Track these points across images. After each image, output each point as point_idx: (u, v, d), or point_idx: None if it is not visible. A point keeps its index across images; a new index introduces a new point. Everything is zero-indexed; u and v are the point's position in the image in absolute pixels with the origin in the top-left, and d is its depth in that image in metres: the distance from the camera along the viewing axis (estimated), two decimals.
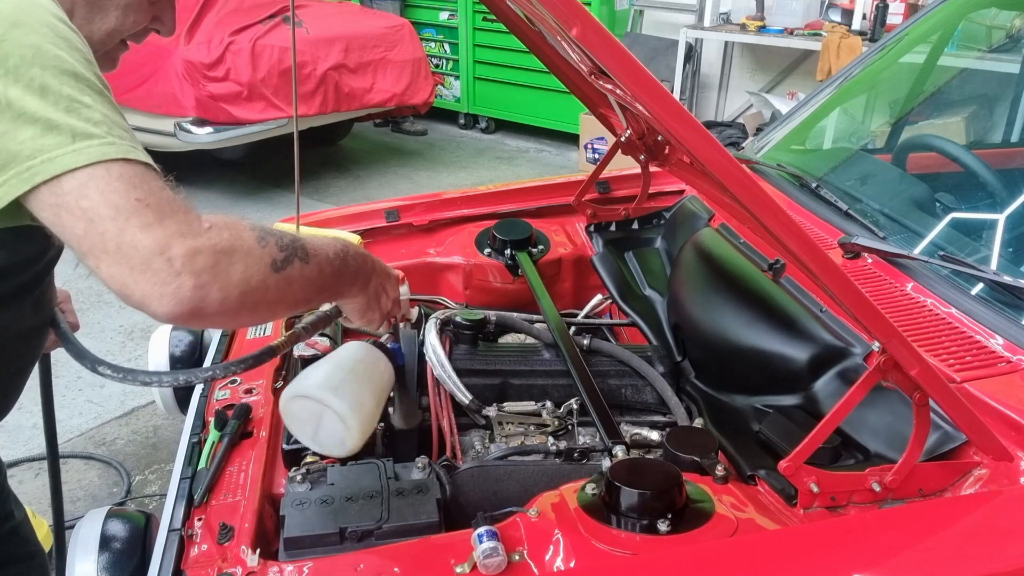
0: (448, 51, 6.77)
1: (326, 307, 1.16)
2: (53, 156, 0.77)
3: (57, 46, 0.81)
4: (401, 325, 1.32)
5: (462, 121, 6.92)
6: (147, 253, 0.76)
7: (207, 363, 1.66)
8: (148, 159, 0.83)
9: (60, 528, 1.62)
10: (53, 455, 1.55)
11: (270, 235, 0.87)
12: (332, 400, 1.06)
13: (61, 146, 0.77)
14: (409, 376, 1.34)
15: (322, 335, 1.59)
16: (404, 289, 1.19)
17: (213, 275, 0.79)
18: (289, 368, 1.58)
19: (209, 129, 4.52)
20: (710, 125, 5.69)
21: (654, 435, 1.42)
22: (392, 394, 1.33)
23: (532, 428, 1.45)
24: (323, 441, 1.10)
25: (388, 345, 1.25)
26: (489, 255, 2.00)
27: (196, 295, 0.77)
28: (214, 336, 1.76)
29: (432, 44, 6.75)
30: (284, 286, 0.87)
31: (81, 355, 1.00)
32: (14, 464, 2.61)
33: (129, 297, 0.78)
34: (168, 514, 1.19)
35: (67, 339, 1.07)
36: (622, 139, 1.93)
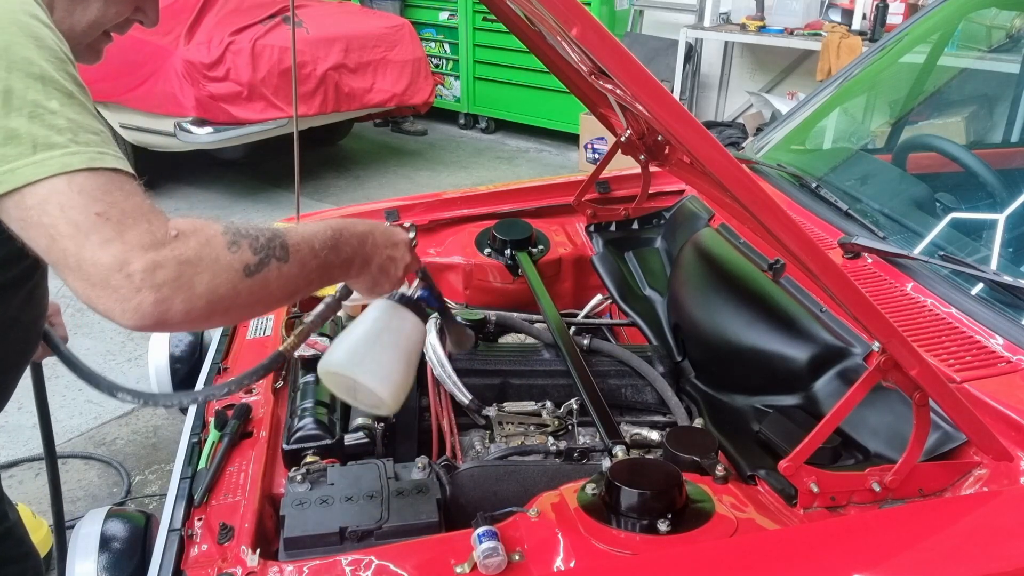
0: (448, 51, 6.77)
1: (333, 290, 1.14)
2: (14, 168, 0.75)
3: (26, 47, 0.79)
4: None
5: (462, 121, 6.92)
6: (106, 270, 0.75)
7: (207, 363, 1.66)
8: (117, 162, 0.80)
9: (61, 530, 1.62)
10: (51, 459, 1.54)
11: (244, 237, 0.84)
12: (359, 374, 1.07)
13: (21, 157, 0.75)
14: (446, 309, 1.28)
15: (321, 334, 1.59)
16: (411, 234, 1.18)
17: (175, 287, 0.77)
18: (289, 367, 1.58)
19: (209, 129, 4.52)
20: (710, 125, 5.69)
21: (654, 435, 1.42)
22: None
23: (532, 428, 1.45)
24: (364, 403, 1.12)
25: (417, 294, 1.19)
26: (489, 255, 2.00)
27: (158, 308, 0.76)
28: (214, 336, 1.76)
29: (432, 44, 6.75)
30: (259, 289, 0.85)
31: (91, 379, 1.00)
32: (14, 464, 2.61)
33: (94, 309, 0.77)
34: (168, 514, 1.18)
35: (72, 363, 1.07)
36: (622, 139, 1.93)
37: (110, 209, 0.76)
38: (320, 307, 1.11)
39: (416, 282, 1.19)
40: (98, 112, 0.85)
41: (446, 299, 1.96)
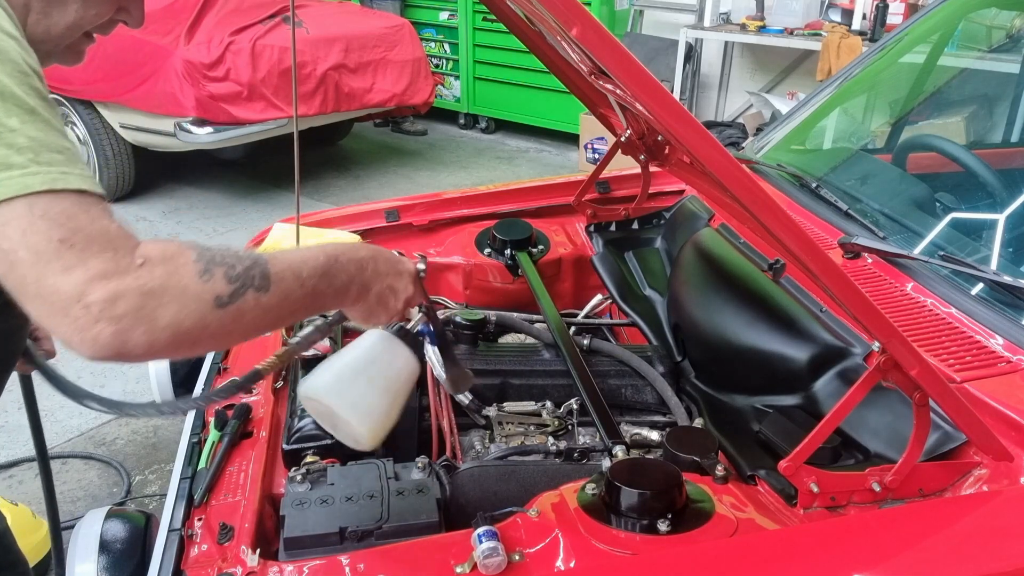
0: (448, 51, 6.77)
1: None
2: None
3: None
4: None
5: (462, 121, 6.92)
6: (65, 300, 0.71)
7: (206, 364, 1.66)
8: (83, 182, 0.75)
9: (57, 533, 1.61)
10: (44, 465, 1.53)
11: (219, 265, 0.78)
12: (338, 406, 1.03)
13: None
14: (448, 348, 1.24)
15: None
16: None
17: (136, 319, 0.73)
18: (290, 367, 1.58)
19: (209, 129, 4.52)
20: (710, 125, 5.69)
21: (654, 435, 1.42)
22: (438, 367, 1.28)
23: (532, 428, 1.45)
24: (342, 434, 1.09)
25: (417, 328, 1.14)
26: (489, 255, 2.00)
27: (116, 340, 0.73)
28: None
29: (432, 44, 6.75)
30: (231, 321, 0.79)
31: (65, 388, 0.97)
32: (14, 464, 2.61)
33: (53, 335, 0.75)
34: (168, 514, 1.18)
35: (49, 374, 1.04)
36: (622, 139, 1.93)
37: (73, 235, 0.72)
38: (309, 329, 1.06)
39: (418, 316, 1.14)
40: (65, 129, 0.80)
41: (446, 300, 1.97)
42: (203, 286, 0.77)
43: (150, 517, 1.36)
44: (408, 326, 1.12)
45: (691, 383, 1.61)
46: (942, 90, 2.48)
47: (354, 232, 2.04)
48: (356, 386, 1.05)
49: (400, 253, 1.08)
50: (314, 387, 1.04)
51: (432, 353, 1.49)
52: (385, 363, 1.09)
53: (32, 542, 2.14)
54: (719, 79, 6.18)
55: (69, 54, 0.99)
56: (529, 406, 1.50)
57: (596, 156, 5.47)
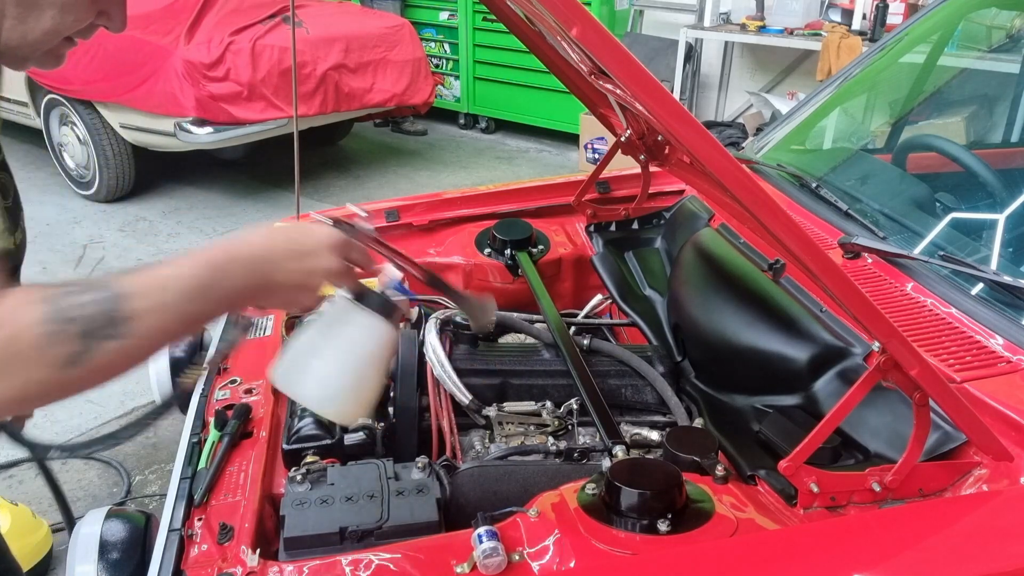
0: (448, 51, 6.77)
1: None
2: None
3: None
4: (400, 325, 1.20)
5: (462, 121, 6.92)
6: None
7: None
8: None
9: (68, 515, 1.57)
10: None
11: (70, 322, 0.71)
12: (296, 392, 0.98)
13: None
14: (446, 287, 1.14)
15: None
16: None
17: None
18: None
19: (209, 129, 4.52)
20: (710, 125, 5.69)
21: (654, 435, 1.42)
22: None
23: (532, 428, 1.45)
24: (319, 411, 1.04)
25: (389, 290, 1.02)
26: (489, 255, 2.00)
27: None
28: (215, 337, 1.76)
29: (432, 44, 6.75)
30: (89, 375, 0.73)
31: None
32: (14, 464, 2.61)
33: None
34: (168, 514, 1.18)
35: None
36: (622, 139, 1.93)
37: None
38: (217, 344, 1.00)
39: (388, 275, 1.04)
40: None
41: (446, 300, 1.96)
42: (49, 350, 0.70)
43: (150, 517, 1.36)
44: (377, 288, 1.01)
45: (691, 383, 1.61)
46: (942, 90, 2.48)
47: None
48: (312, 368, 0.97)
49: (349, 225, 0.98)
50: (272, 376, 0.99)
51: (432, 353, 1.49)
52: (345, 335, 0.99)
53: (32, 542, 2.15)
54: (719, 79, 6.18)
55: (48, 58, 0.95)
56: (529, 406, 1.50)
57: (596, 156, 5.47)
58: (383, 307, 0.99)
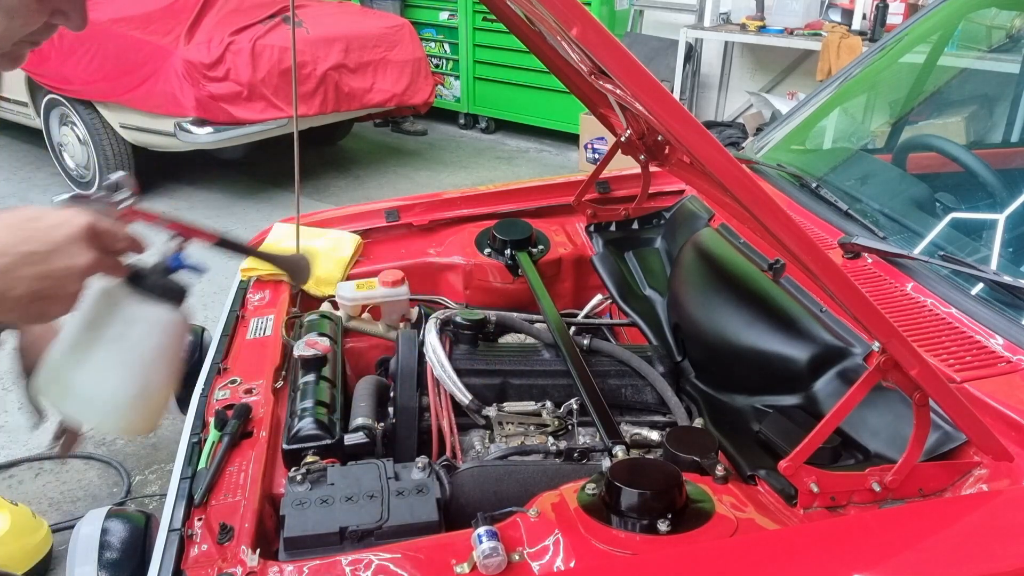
0: (448, 51, 6.77)
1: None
2: None
3: None
4: (400, 325, 1.20)
5: (462, 121, 6.92)
6: None
7: (207, 364, 1.65)
8: None
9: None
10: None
11: None
12: (56, 405, 0.81)
13: None
14: (238, 246, 1.01)
15: (321, 333, 1.58)
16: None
17: None
18: (290, 367, 1.58)
19: (209, 129, 4.52)
20: (710, 125, 5.69)
21: (654, 435, 1.42)
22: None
23: (532, 428, 1.45)
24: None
25: (162, 262, 0.87)
26: (489, 255, 2.00)
27: None
28: (214, 337, 1.76)
29: (432, 44, 6.75)
30: None
31: None
32: (14, 464, 2.61)
33: None
34: (168, 514, 1.18)
35: None
36: (622, 139, 1.93)
37: None
38: None
39: (165, 245, 0.88)
40: None
41: (446, 299, 1.96)
42: None
43: (150, 517, 1.36)
44: (150, 265, 0.84)
45: (691, 383, 1.61)
46: (942, 90, 2.48)
47: (354, 232, 2.05)
48: (79, 379, 0.80)
49: (94, 198, 0.84)
50: (34, 386, 0.82)
51: (432, 353, 1.49)
52: (116, 333, 0.82)
53: (32, 542, 2.15)
54: (719, 79, 6.18)
55: (4, 61, 0.90)
56: (529, 406, 1.50)
57: (596, 156, 5.47)
58: (163, 291, 0.85)
